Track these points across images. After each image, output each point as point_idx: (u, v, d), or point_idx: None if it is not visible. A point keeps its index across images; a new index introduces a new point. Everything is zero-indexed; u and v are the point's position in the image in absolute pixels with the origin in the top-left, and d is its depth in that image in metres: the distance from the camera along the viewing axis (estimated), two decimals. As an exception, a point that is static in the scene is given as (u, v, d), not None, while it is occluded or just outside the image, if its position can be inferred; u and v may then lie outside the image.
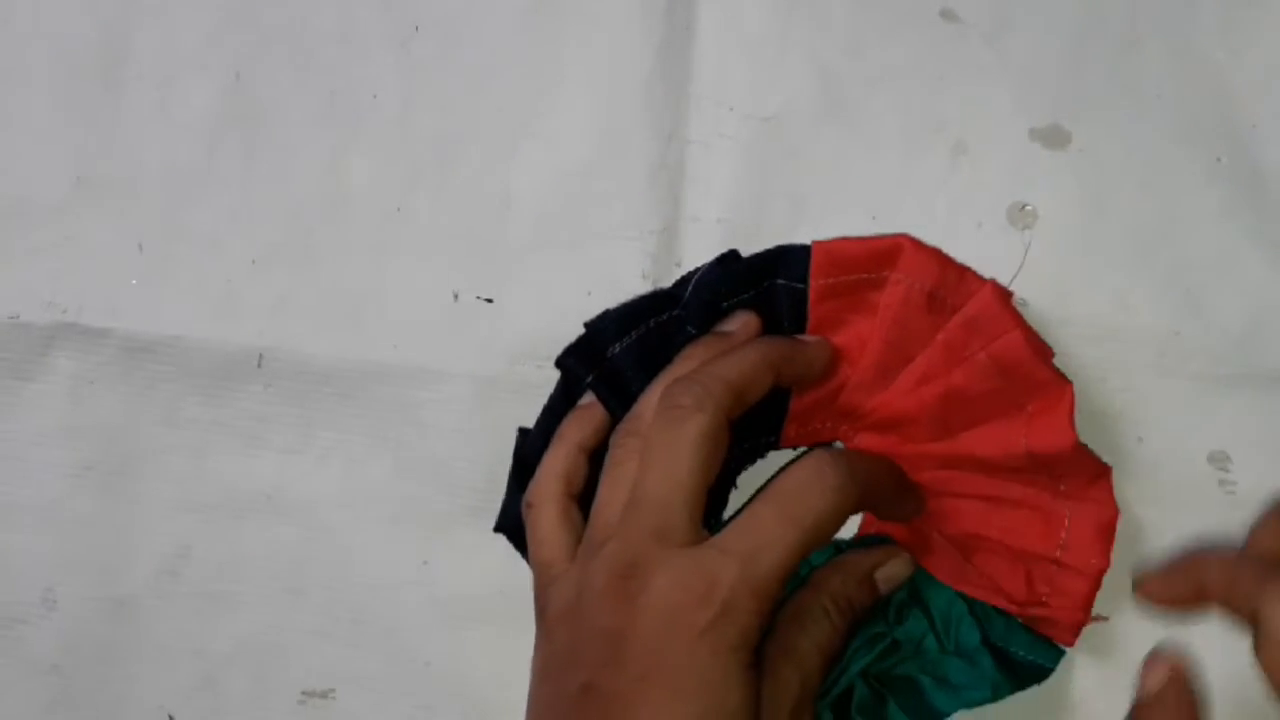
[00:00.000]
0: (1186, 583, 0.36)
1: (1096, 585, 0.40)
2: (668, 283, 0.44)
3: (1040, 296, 0.43)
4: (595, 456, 0.40)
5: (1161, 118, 0.43)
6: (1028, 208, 0.44)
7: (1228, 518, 0.42)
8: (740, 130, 0.45)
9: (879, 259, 0.41)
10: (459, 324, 0.45)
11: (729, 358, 0.38)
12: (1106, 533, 0.40)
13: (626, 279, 0.45)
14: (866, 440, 0.42)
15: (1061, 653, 0.40)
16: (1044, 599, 0.40)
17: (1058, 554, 0.40)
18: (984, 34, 0.44)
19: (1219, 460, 0.43)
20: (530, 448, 0.42)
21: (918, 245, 0.41)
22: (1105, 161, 0.43)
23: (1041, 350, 0.40)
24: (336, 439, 0.46)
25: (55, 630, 0.47)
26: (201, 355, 0.46)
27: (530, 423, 0.43)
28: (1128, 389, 0.43)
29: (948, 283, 0.40)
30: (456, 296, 0.45)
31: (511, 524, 0.42)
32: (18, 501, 0.47)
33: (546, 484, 0.40)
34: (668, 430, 0.37)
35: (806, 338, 0.41)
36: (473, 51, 0.46)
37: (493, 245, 0.45)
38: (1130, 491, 0.42)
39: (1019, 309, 0.41)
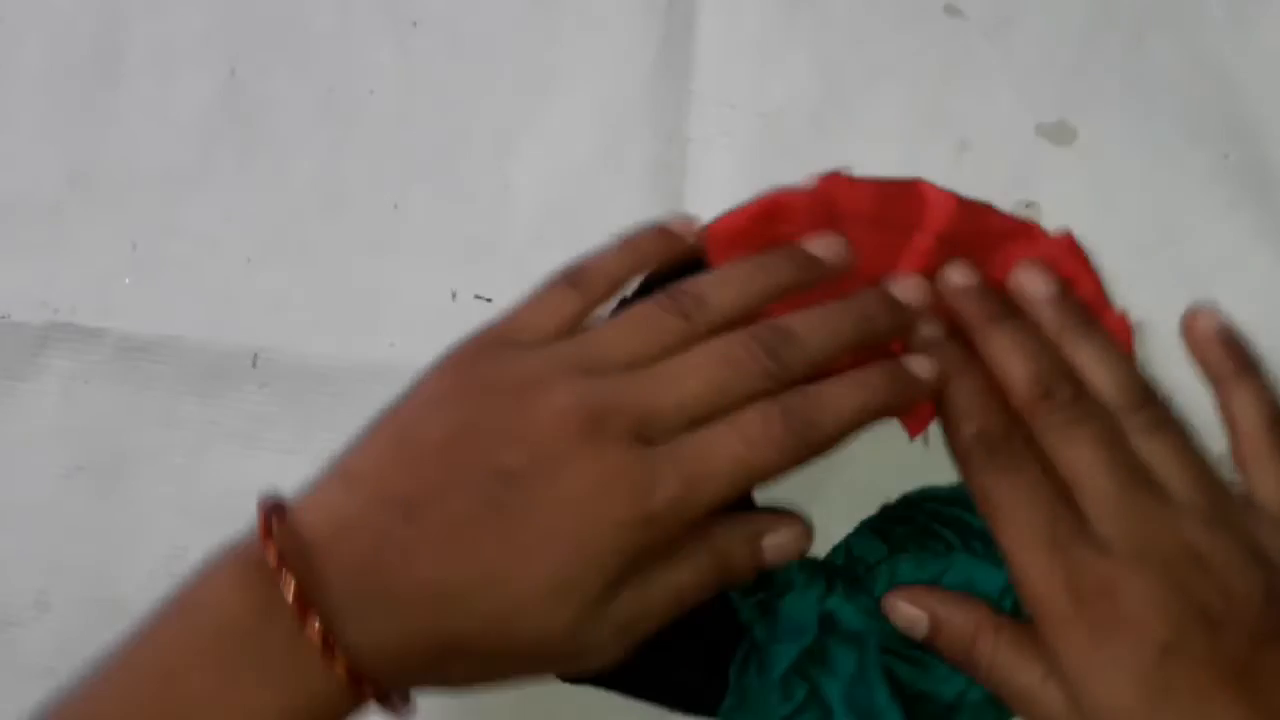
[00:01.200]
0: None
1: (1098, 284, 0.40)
2: (668, 282, 0.44)
3: (1046, 294, 0.42)
4: None
5: (1168, 114, 0.43)
6: (1033, 204, 0.43)
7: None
8: (742, 127, 0.44)
9: (766, 215, 0.38)
10: (457, 323, 0.45)
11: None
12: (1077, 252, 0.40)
13: (626, 277, 0.44)
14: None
15: None
16: None
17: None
18: (987, 29, 0.44)
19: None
20: None
21: (799, 194, 0.39)
22: (1111, 158, 0.43)
23: (913, 184, 0.40)
24: (334, 439, 0.45)
25: (48, 633, 0.46)
26: (196, 355, 0.46)
27: None
28: (1134, 387, 0.43)
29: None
30: (454, 295, 0.45)
31: None
32: (10, 502, 0.46)
33: None
34: None
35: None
36: (472, 48, 0.46)
37: (491, 243, 0.45)
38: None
39: None
